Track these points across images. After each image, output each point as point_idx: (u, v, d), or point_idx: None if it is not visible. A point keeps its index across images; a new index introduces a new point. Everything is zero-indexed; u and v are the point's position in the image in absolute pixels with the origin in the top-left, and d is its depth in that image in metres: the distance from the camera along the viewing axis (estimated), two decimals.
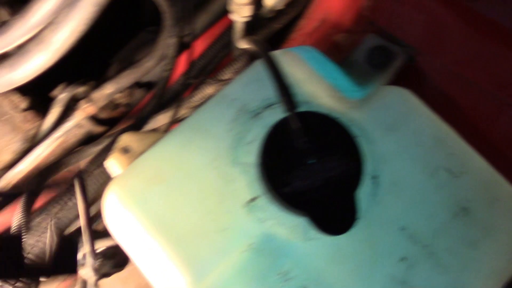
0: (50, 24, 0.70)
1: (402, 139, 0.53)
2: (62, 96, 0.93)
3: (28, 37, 0.71)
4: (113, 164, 0.57)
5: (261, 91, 0.53)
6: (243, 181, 0.50)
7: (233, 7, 0.77)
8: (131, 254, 0.55)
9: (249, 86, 0.54)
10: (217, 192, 0.50)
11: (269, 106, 0.53)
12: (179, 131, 0.53)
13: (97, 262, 0.76)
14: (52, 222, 0.66)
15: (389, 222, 0.50)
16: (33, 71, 0.74)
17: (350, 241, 0.49)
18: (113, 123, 1.06)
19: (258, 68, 0.55)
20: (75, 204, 0.67)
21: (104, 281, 0.88)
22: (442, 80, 0.63)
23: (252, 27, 0.85)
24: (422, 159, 0.53)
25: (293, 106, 0.48)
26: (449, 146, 0.54)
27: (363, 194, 0.49)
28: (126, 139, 0.58)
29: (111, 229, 0.53)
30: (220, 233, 0.49)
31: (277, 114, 0.51)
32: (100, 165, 0.69)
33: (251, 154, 0.50)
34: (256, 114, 0.52)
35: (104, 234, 0.81)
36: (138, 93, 1.07)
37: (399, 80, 0.61)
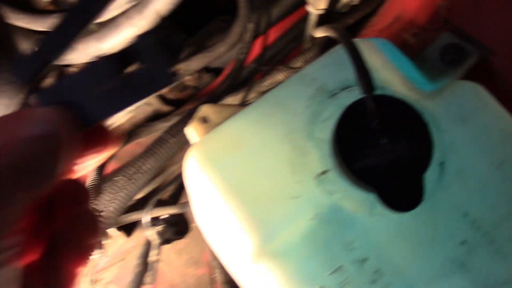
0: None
1: (471, 131, 0.55)
2: None
3: (118, 12, 0.77)
4: (192, 132, 0.61)
5: (339, 74, 0.57)
6: (316, 155, 0.53)
7: None
8: (203, 217, 0.59)
9: (329, 68, 0.57)
10: (291, 162, 0.53)
11: (346, 87, 0.56)
12: (259, 104, 0.57)
13: (161, 227, 0.81)
14: (129, 182, 0.71)
15: (452, 206, 0.52)
16: (119, 43, 0.80)
17: (413, 220, 0.51)
18: (180, 104, 1.12)
19: (338, 52, 0.58)
20: (149, 169, 0.72)
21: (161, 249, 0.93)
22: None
23: (325, 20, 0.89)
24: (489, 151, 0.55)
25: (370, 88, 0.50)
26: None
27: (430, 177, 0.52)
28: (206, 110, 0.62)
29: (189, 190, 0.58)
30: (291, 200, 0.52)
31: (354, 95, 0.54)
32: (175, 135, 0.73)
33: (325, 130, 0.53)
34: (333, 94, 0.56)
35: (168, 202, 0.87)
36: (206, 77, 1.12)
37: (470, 77, 0.63)
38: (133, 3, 0.75)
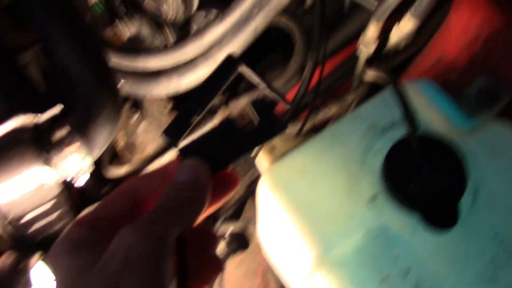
0: (217, 43, 0.88)
1: (502, 165, 0.65)
2: None
3: (198, 53, 0.90)
4: (261, 159, 0.73)
5: (388, 113, 0.67)
6: (369, 181, 0.64)
7: (362, 41, 0.91)
8: (267, 233, 0.70)
9: (379, 108, 0.68)
10: (347, 187, 0.64)
11: (394, 125, 0.67)
12: (321, 137, 0.68)
13: (228, 240, 0.93)
14: None
15: (483, 229, 0.62)
16: (196, 81, 0.93)
17: (449, 239, 0.61)
18: None
19: (387, 94, 0.69)
20: None
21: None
22: None
23: (373, 59, 0.99)
24: None
25: (415, 128, 0.61)
26: None
27: (464, 204, 0.62)
28: (275, 140, 0.74)
29: (260, 203, 0.69)
30: (346, 219, 0.63)
31: (401, 132, 0.65)
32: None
33: (377, 160, 0.64)
34: (383, 131, 0.67)
35: (232, 219, 0.98)
36: None
37: (503, 115, 0.73)
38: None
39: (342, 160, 0.66)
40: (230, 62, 0.48)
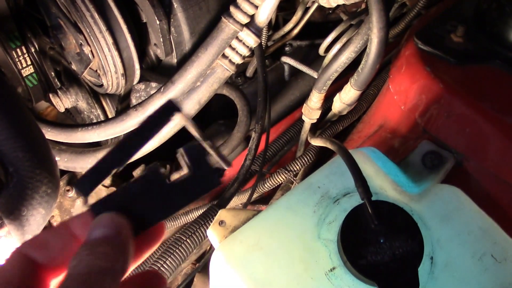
0: None
1: (454, 228, 0.65)
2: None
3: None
4: (212, 234, 0.70)
5: (340, 182, 0.67)
6: (325, 253, 0.62)
7: (305, 110, 0.92)
8: None
9: (330, 177, 0.68)
10: (303, 260, 0.62)
11: (347, 194, 0.66)
12: (273, 209, 0.66)
13: None
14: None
15: None
16: (139, 154, 0.89)
17: None
18: None
19: (337, 162, 0.69)
20: (167, 269, 0.79)
21: None
22: (485, 181, 0.75)
23: (316, 127, 1.00)
24: (471, 246, 0.64)
25: (369, 194, 0.60)
26: (493, 236, 0.65)
27: (422, 270, 0.61)
28: (223, 214, 0.71)
29: (213, 280, 0.65)
30: None
31: (354, 200, 0.64)
32: (190, 236, 0.81)
33: (332, 231, 0.63)
34: (336, 199, 0.66)
35: None
36: None
37: (448, 180, 0.74)
38: None
39: (297, 233, 0.64)
40: (168, 109, 0.40)
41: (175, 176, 0.39)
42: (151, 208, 0.38)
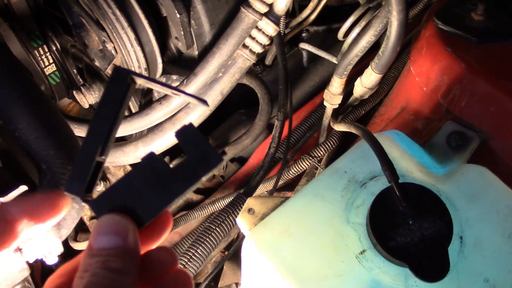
0: (184, 108, 0.87)
1: (481, 208, 0.65)
2: None
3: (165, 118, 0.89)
4: (241, 222, 0.71)
5: (366, 165, 0.67)
6: (355, 237, 0.63)
7: (327, 96, 0.93)
8: None
9: (356, 161, 0.68)
10: (333, 245, 0.63)
11: (373, 177, 0.67)
12: (301, 196, 0.67)
13: None
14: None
15: (474, 274, 0.61)
16: (164, 146, 0.91)
17: (443, 287, 0.60)
18: (209, 193, 1.21)
19: (362, 146, 0.69)
20: (199, 258, 0.81)
21: None
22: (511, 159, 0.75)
23: (338, 112, 1.01)
24: (500, 224, 0.64)
25: (396, 177, 0.61)
26: None
27: (452, 250, 0.61)
28: (251, 203, 0.72)
29: (245, 267, 0.67)
30: (336, 277, 0.61)
31: (381, 183, 0.64)
32: (219, 225, 0.83)
33: (360, 215, 0.64)
34: (363, 183, 0.66)
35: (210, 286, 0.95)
36: (231, 166, 1.23)
37: (474, 160, 0.74)
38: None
39: (326, 218, 0.64)
40: (118, 76, 0.38)
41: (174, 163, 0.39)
42: (154, 198, 0.36)
